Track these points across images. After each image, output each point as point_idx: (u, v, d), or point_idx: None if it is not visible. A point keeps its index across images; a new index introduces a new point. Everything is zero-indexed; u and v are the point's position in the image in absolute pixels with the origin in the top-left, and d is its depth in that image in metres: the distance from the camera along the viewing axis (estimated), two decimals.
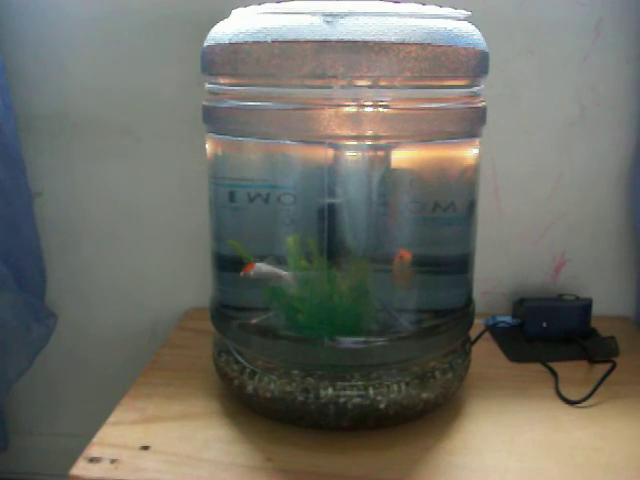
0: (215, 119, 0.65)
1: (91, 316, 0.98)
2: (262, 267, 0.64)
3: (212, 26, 0.64)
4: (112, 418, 0.67)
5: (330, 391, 0.62)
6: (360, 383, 0.63)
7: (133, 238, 0.96)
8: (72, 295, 0.98)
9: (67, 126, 0.92)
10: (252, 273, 0.64)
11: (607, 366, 0.75)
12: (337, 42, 0.54)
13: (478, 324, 0.84)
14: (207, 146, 0.68)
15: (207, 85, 0.66)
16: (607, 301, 0.91)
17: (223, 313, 0.69)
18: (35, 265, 0.90)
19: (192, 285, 0.95)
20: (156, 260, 0.96)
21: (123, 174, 0.93)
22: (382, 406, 0.62)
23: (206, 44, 0.63)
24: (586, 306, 0.83)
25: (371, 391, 0.62)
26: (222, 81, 0.63)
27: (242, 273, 0.64)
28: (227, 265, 0.70)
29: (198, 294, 0.95)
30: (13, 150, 0.84)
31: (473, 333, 0.74)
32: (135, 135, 0.92)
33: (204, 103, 0.66)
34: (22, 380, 0.90)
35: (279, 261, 0.65)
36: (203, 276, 0.78)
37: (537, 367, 0.77)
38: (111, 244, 0.96)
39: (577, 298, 0.85)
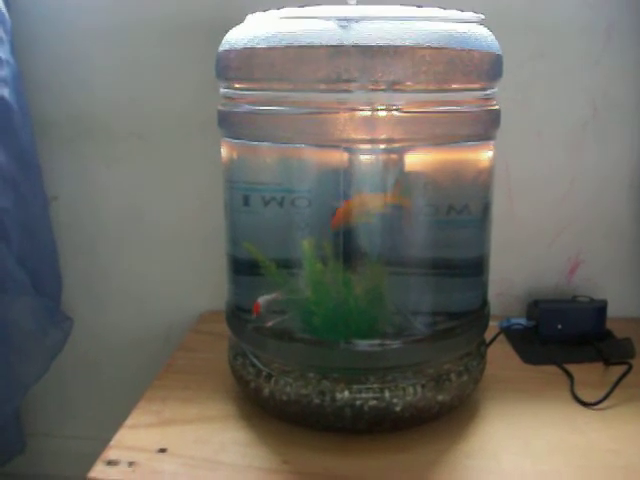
0: (230, 124, 0.66)
1: (106, 320, 0.99)
2: (266, 298, 0.66)
3: (226, 32, 0.65)
4: (129, 421, 0.67)
5: (346, 394, 0.62)
6: (376, 386, 0.63)
7: (147, 242, 0.96)
8: (87, 299, 0.98)
9: (82, 131, 0.92)
10: (263, 310, 0.65)
11: (623, 368, 0.74)
12: (352, 46, 0.55)
13: (493, 326, 0.84)
14: (222, 150, 0.69)
15: (222, 90, 0.66)
16: (622, 302, 0.90)
17: (239, 316, 0.70)
18: (51, 269, 0.90)
19: (207, 288, 0.96)
20: (170, 264, 0.97)
21: (138, 179, 0.94)
22: (398, 408, 0.62)
23: (221, 49, 0.64)
24: (601, 308, 0.83)
25: (387, 394, 0.62)
26: (237, 86, 0.64)
27: (254, 315, 0.65)
28: (242, 268, 0.71)
29: (213, 297, 0.95)
30: (30, 155, 0.85)
31: (488, 335, 0.74)
32: (149, 140, 0.92)
33: (219, 108, 0.66)
34: (38, 383, 0.90)
35: (295, 264, 0.66)
36: (217, 279, 0.78)
37: (552, 369, 0.77)
38: (125, 248, 0.97)
39: (592, 300, 0.85)
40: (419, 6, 0.59)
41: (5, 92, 0.79)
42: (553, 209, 0.91)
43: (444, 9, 0.60)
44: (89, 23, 0.89)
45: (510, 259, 0.91)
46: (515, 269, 0.93)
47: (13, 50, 0.82)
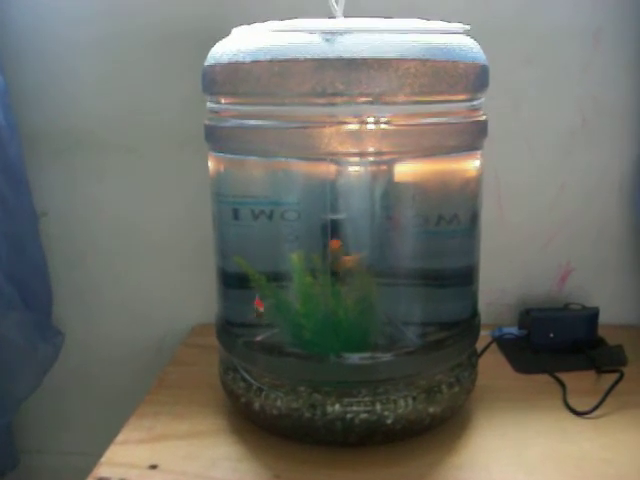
0: (217, 138, 0.66)
1: (98, 333, 0.99)
2: None
3: (215, 44, 0.64)
4: (120, 437, 0.67)
5: (337, 407, 0.62)
6: (367, 399, 0.62)
7: (138, 255, 0.96)
8: (78, 313, 0.98)
9: (71, 144, 0.92)
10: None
11: (615, 376, 0.74)
12: (336, 59, 0.55)
13: (484, 336, 0.84)
14: (209, 164, 0.69)
15: (208, 104, 0.66)
16: (614, 310, 0.90)
17: (228, 330, 0.70)
18: (41, 284, 0.90)
19: (198, 301, 0.95)
20: (162, 277, 0.96)
21: (128, 192, 0.94)
22: (389, 421, 0.62)
23: (206, 63, 0.63)
24: (593, 315, 0.83)
25: (378, 406, 0.62)
26: (223, 100, 0.64)
27: (256, 315, 0.65)
28: (232, 282, 0.70)
29: (204, 310, 0.95)
30: (18, 170, 0.84)
31: (479, 345, 0.74)
32: (139, 153, 0.92)
33: (205, 122, 0.66)
34: (30, 398, 0.90)
35: (284, 277, 0.65)
36: (209, 292, 0.78)
37: (544, 378, 0.77)
38: (117, 261, 0.96)
39: (583, 307, 0.85)
40: (404, 19, 0.58)
41: None
42: (543, 216, 0.91)
43: (429, 21, 0.60)
44: (77, 36, 0.89)
45: (501, 267, 0.91)
46: (506, 277, 0.93)
47: (0, 65, 0.82)
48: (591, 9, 0.84)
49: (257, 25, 0.61)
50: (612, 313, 0.89)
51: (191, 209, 0.93)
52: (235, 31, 0.64)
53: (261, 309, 0.65)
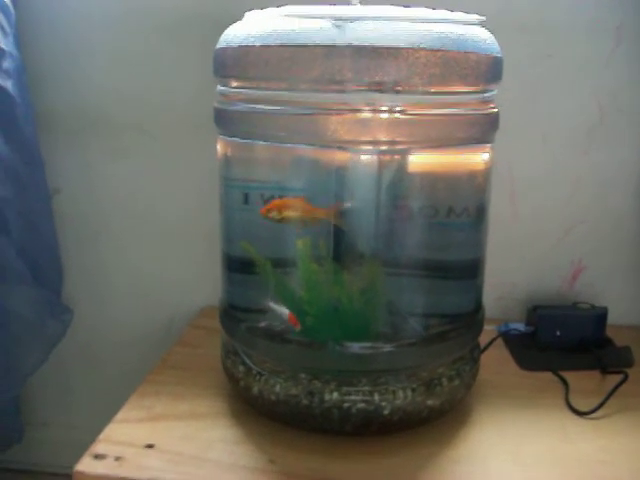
0: (226, 122, 0.66)
1: (107, 312, 1.00)
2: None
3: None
4: (119, 415, 0.68)
5: (335, 395, 0.62)
6: (366, 388, 0.62)
7: (149, 235, 0.97)
8: (89, 291, 0.99)
9: (86, 124, 0.93)
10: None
11: (619, 377, 0.73)
12: (345, 47, 0.54)
13: (490, 330, 0.84)
14: (218, 148, 0.69)
15: (219, 87, 0.66)
16: (624, 310, 0.89)
17: (231, 315, 0.70)
18: (52, 261, 0.91)
19: (208, 283, 0.95)
20: (172, 258, 0.97)
21: (141, 173, 0.94)
22: (386, 412, 0.62)
23: (218, 46, 0.63)
24: (601, 315, 0.82)
25: (376, 397, 0.62)
26: (233, 84, 0.64)
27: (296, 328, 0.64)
28: (236, 266, 0.71)
29: (214, 292, 0.94)
30: (32, 147, 0.85)
31: (485, 339, 0.74)
32: (153, 134, 0.92)
33: (215, 105, 0.66)
34: (38, 373, 0.91)
35: (289, 264, 0.65)
36: (219, 274, 0.78)
37: (548, 376, 0.76)
38: (128, 241, 0.97)
39: (592, 306, 0.83)
40: (417, 7, 0.58)
41: (8, 84, 0.80)
42: (556, 212, 0.90)
43: (443, 10, 0.59)
44: (92, 16, 0.89)
45: (512, 262, 0.91)
46: (517, 272, 0.92)
47: (17, 43, 0.83)
48: (613, 4, 0.83)
49: (270, 9, 0.61)
50: (622, 313, 0.88)
51: (204, 192, 0.93)
52: (248, 15, 0.64)
53: (297, 327, 0.64)
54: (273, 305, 0.65)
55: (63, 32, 0.90)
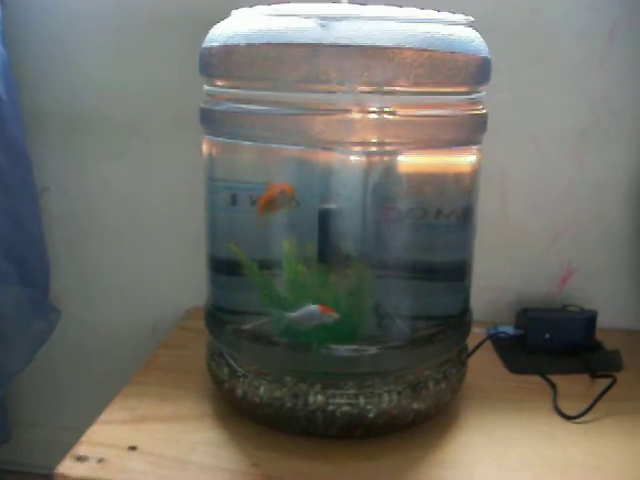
0: (211, 121, 0.65)
1: (94, 312, 0.99)
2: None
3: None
4: (103, 416, 0.67)
5: (319, 398, 0.61)
6: (351, 391, 0.62)
7: (138, 236, 0.96)
8: (76, 291, 0.98)
9: (75, 123, 0.92)
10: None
11: (608, 381, 0.73)
12: (330, 46, 0.54)
13: (479, 333, 0.83)
14: (203, 148, 0.68)
15: (205, 87, 0.65)
16: (614, 313, 0.89)
17: (217, 317, 0.69)
18: (39, 260, 0.90)
19: (195, 283, 0.94)
20: (160, 258, 0.96)
21: (129, 173, 0.94)
22: (371, 415, 0.61)
23: (204, 45, 0.63)
24: (590, 318, 0.82)
25: (361, 400, 0.61)
26: (218, 83, 0.63)
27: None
28: (221, 268, 0.70)
29: (201, 292, 0.94)
30: (19, 146, 0.84)
31: (474, 342, 0.73)
32: (142, 134, 0.92)
33: (201, 105, 0.66)
34: (25, 373, 0.90)
35: (275, 265, 0.65)
36: (206, 275, 0.77)
37: (537, 379, 0.76)
38: (116, 241, 0.97)
39: (581, 310, 0.83)
40: (406, 7, 0.57)
41: None
42: (548, 215, 0.89)
43: (430, 10, 0.59)
44: (82, 16, 0.89)
45: (502, 265, 0.90)
46: (507, 275, 0.91)
47: (3, 40, 0.82)
48: (606, 7, 0.82)
49: (256, 8, 0.60)
50: (612, 317, 0.88)
51: (192, 192, 0.91)
52: (234, 13, 0.63)
53: (335, 316, 0.61)
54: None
55: (52, 30, 0.89)
